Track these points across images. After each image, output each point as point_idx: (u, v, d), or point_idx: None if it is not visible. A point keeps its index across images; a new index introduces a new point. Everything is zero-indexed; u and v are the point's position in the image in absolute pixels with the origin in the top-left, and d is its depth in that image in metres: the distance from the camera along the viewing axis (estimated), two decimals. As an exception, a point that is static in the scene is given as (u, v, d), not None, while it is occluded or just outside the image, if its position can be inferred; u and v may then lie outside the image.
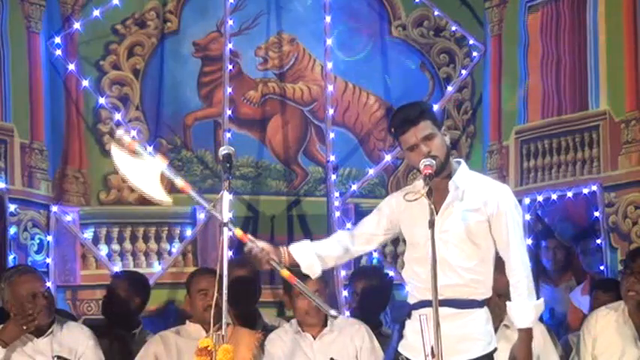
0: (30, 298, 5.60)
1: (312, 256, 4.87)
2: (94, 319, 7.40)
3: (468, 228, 4.70)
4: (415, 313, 4.70)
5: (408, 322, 4.81)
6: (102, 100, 8.19)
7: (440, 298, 4.37)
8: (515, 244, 4.78)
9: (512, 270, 4.78)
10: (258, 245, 4.84)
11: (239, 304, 6.44)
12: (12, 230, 7.48)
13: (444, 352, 4.32)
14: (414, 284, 4.77)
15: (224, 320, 4.52)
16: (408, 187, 4.96)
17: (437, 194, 4.60)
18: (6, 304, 5.71)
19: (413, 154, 4.71)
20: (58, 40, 8.06)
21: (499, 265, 5.78)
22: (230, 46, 8.34)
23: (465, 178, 4.79)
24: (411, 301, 4.79)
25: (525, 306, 4.76)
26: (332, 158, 8.36)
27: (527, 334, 4.81)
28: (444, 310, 4.47)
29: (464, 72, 8.73)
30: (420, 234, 4.66)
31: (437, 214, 4.61)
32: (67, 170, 8.16)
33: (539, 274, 7.89)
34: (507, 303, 4.82)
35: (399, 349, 4.83)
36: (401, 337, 4.84)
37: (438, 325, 4.28)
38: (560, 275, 7.81)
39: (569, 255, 7.76)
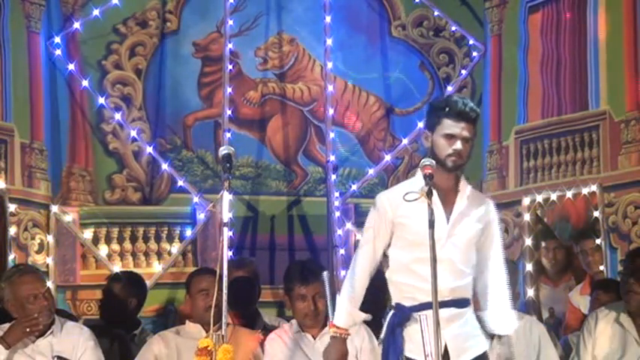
0: (31, 299, 5.59)
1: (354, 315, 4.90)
2: (94, 319, 7.40)
3: (473, 234, 4.73)
4: (416, 315, 4.67)
5: (411, 325, 4.74)
6: (102, 100, 8.20)
7: (446, 299, 4.41)
8: (501, 253, 4.81)
9: (496, 278, 4.78)
10: None
11: (239, 304, 6.45)
12: (12, 230, 7.48)
13: (455, 353, 4.34)
14: (416, 286, 4.71)
15: (224, 320, 4.52)
16: (401, 185, 4.90)
17: (446, 195, 4.63)
18: (6, 303, 5.70)
19: (444, 142, 4.67)
20: (57, 39, 8.06)
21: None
22: (230, 46, 8.35)
23: (466, 185, 4.83)
24: (410, 303, 4.74)
25: (511, 314, 4.80)
26: (332, 158, 8.36)
27: (510, 339, 4.87)
28: (450, 311, 4.50)
29: (464, 72, 8.73)
30: (427, 234, 4.66)
31: (449, 216, 4.66)
32: (74, 169, 8.17)
33: (539, 274, 7.89)
34: (486, 312, 4.80)
35: (407, 353, 4.76)
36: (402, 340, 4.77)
37: (438, 325, 4.28)
38: (560, 275, 7.81)
39: (569, 255, 7.76)
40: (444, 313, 4.44)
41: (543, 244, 7.85)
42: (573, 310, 7.24)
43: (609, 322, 5.85)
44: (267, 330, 6.17)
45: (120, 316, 6.70)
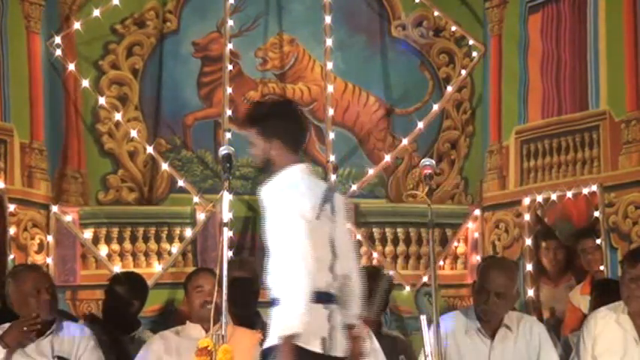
0: (34, 292, 5.61)
1: None
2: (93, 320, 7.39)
3: None
4: None
5: None
6: (102, 100, 8.20)
7: None
8: None
9: None
10: None
11: (238, 305, 6.43)
12: (11, 230, 7.48)
13: None
14: None
15: (224, 320, 4.52)
16: None
17: None
18: (8, 298, 5.71)
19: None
20: (57, 39, 8.06)
21: (496, 263, 5.78)
22: (230, 46, 8.34)
23: None
24: None
25: None
26: (332, 158, 8.35)
27: None
28: None
29: (464, 72, 8.72)
30: None
31: None
32: (66, 170, 8.17)
33: (539, 274, 7.89)
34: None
35: None
36: None
37: (437, 325, 4.28)
38: (561, 275, 7.81)
39: (570, 255, 7.75)
40: None
41: (543, 244, 7.85)
42: (573, 309, 7.24)
43: (609, 323, 5.83)
44: (267, 330, 6.15)
45: (122, 317, 6.71)
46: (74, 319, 6.62)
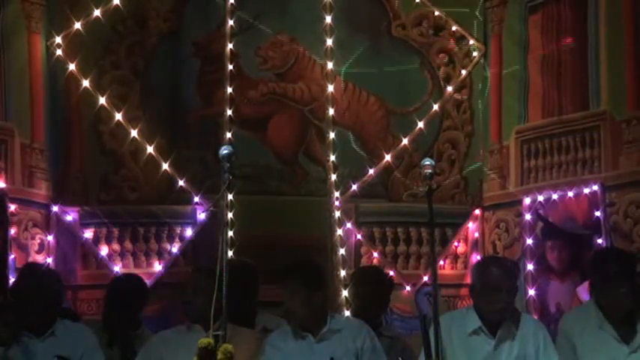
0: None
1: None
2: (94, 319, 7.39)
3: None
4: None
5: None
6: (102, 100, 8.21)
7: None
8: None
9: None
10: None
11: (238, 305, 6.42)
12: (12, 230, 7.49)
13: None
14: None
15: (224, 320, 4.52)
16: None
17: None
18: None
19: None
20: (58, 39, 8.07)
21: (493, 260, 5.77)
22: (230, 46, 8.34)
23: None
24: None
25: None
26: (332, 158, 8.36)
27: None
28: None
29: (464, 72, 8.72)
30: None
31: None
32: (67, 170, 8.18)
33: (546, 270, 7.90)
34: None
35: None
36: None
37: (437, 324, 4.28)
38: (567, 272, 7.81)
39: (575, 253, 7.75)
40: None
41: (549, 243, 7.85)
42: (579, 304, 7.21)
43: (587, 323, 5.74)
44: (267, 330, 6.16)
45: (122, 319, 6.69)
46: (78, 319, 6.60)
